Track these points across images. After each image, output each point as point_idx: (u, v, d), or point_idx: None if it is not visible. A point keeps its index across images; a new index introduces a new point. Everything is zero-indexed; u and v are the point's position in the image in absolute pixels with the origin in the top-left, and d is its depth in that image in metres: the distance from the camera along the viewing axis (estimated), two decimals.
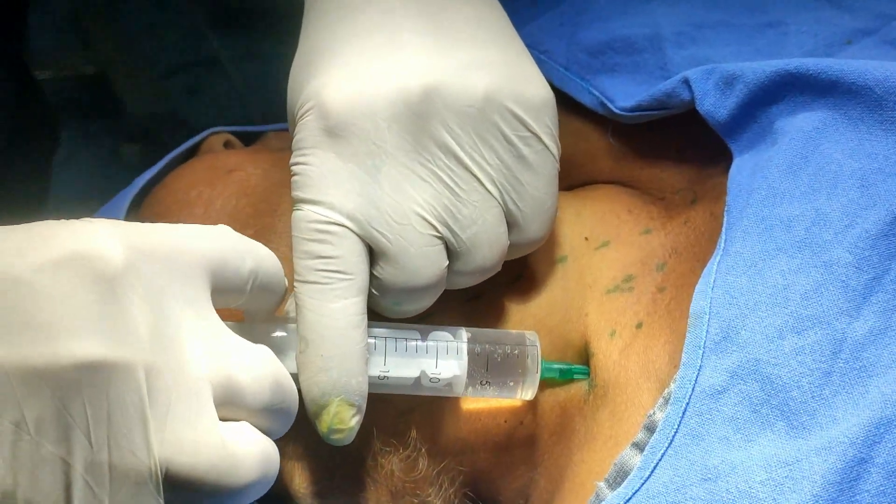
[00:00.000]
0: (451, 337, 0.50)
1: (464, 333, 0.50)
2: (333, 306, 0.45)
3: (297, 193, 0.46)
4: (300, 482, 0.50)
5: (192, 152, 0.67)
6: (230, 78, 1.00)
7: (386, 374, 0.48)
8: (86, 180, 1.01)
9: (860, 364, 0.43)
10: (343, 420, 0.45)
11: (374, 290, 0.47)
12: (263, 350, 0.42)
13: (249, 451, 0.40)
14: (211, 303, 0.42)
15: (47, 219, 0.42)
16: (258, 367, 0.41)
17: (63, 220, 0.39)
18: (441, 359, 0.49)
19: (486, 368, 0.49)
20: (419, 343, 0.49)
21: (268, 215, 0.54)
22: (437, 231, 0.47)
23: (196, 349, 0.39)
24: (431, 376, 0.49)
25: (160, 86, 1.01)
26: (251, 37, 0.98)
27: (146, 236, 0.40)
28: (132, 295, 0.37)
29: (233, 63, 1.00)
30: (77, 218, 0.66)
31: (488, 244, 0.48)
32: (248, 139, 0.70)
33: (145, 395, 0.36)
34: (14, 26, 0.85)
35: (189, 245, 0.41)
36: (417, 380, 0.49)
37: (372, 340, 0.48)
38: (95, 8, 0.98)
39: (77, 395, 0.35)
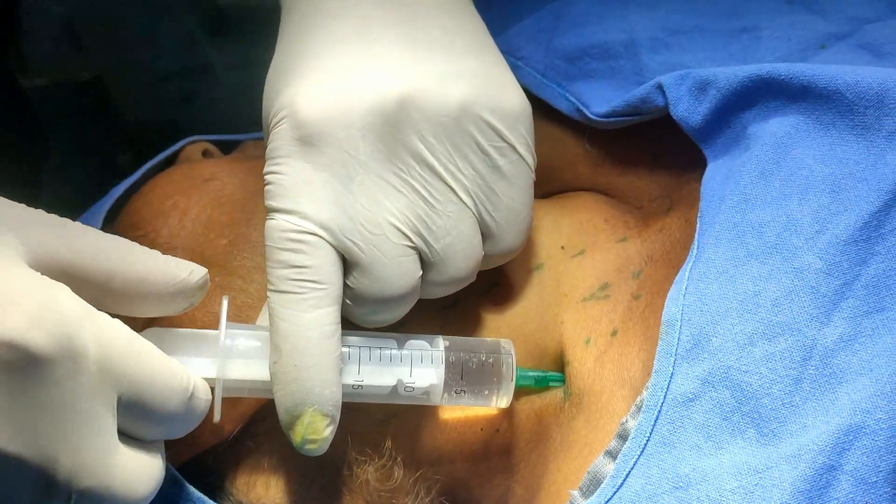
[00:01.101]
0: (427, 345, 0.49)
1: (441, 342, 0.50)
2: (307, 316, 0.45)
3: (270, 203, 0.46)
4: (275, 493, 0.50)
5: (170, 161, 0.67)
6: (224, 85, 1.01)
7: (360, 384, 0.48)
8: (80, 187, 1.01)
9: (830, 371, 0.43)
10: (317, 430, 0.45)
11: (347, 300, 0.47)
12: None
13: None
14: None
15: None
16: None
17: None
18: (417, 367, 0.49)
19: (461, 377, 0.49)
20: (394, 352, 0.49)
21: (243, 225, 0.54)
22: (411, 241, 0.47)
23: None
24: (407, 385, 0.49)
25: (155, 93, 1.01)
26: (245, 44, 0.98)
27: None
28: None
29: (227, 70, 1.00)
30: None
31: (462, 255, 0.48)
32: (227, 147, 0.70)
33: None
34: (3, 41, 0.86)
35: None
36: (394, 388, 0.49)
37: (346, 349, 0.48)
38: (90, 15, 0.98)
39: None
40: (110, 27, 0.99)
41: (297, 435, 0.45)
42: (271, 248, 0.45)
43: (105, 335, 0.40)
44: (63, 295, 0.40)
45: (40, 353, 0.37)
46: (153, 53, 1.00)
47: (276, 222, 0.45)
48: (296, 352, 0.44)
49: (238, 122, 0.97)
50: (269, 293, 0.45)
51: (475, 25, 0.52)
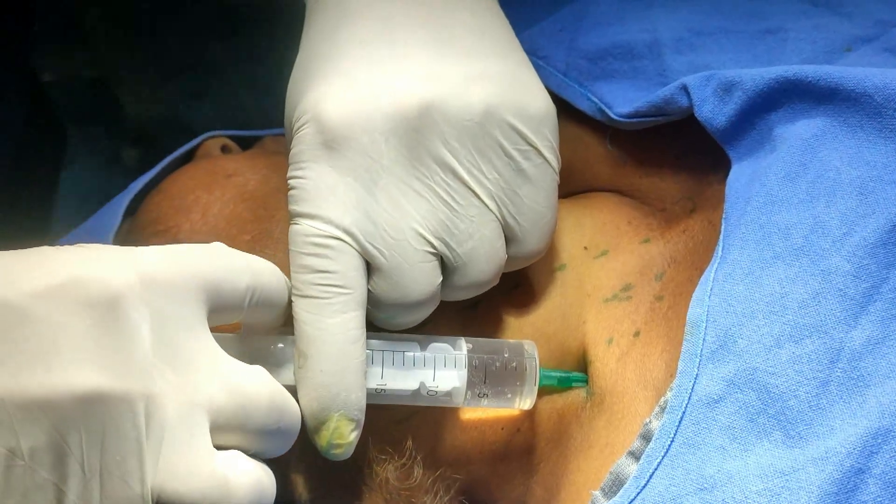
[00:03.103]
0: (450, 348, 0.49)
1: (463, 344, 0.49)
2: (332, 321, 0.44)
3: (294, 207, 0.46)
4: (295, 490, 0.50)
5: (189, 156, 0.67)
6: (232, 82, 1.00)
7: (383, 387, 0.48)
8: (87, 184, 1.01)
9: (858, 373, 0.43)
10: (342, 435, 0.45)
11: (368, 304, 0.47)
12: (259, 372, 0.42)
13: (242, 480, 0.40)
14: (207, 325, 0.42)
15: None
16: (254, 390, 0.41)
17: (59, 246, 0.39)
18: (440, 370, 0.49)
19: (483, 379, 0.49)
20: (417, 354, 0.49)
21: (265, 221, 0.54)
22: (433, 247, 0.46)
23: (192, 375, 0.40)
24: (430, 388, 0.48)
25: (162, 89, 1.01)
26: (252, 40, 0.98)
27: (142, 259, 0.40)
28: (129, 321, 0.38)
29: (234, 67, 1.00)
30: (79, 223, 0.66)
31: (485, 258, 0.48)
32: (245, 143, 0.70)
33: (142, 424, 0.37)
34: (23, 37, 0.85)
35: (184, 266, 0.41)
36: (416, 391, 0.48)
37: (369, 352, 0.47)
38: (97, 11, 0.98)
39: (74, 425, 0.36)
40: (117, 24, 0.99)
41: (323, 440, 0.45)
42: (295, 253, 0.45)
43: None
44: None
45: None
46: (159, 50, 1.00)
47: (300, 227, 0.45)
48: (321, 357, 0.44)
49: (245, 119, 0.97)
50: (293, 298, 0.45)
51: (500, 25, 0.52)
